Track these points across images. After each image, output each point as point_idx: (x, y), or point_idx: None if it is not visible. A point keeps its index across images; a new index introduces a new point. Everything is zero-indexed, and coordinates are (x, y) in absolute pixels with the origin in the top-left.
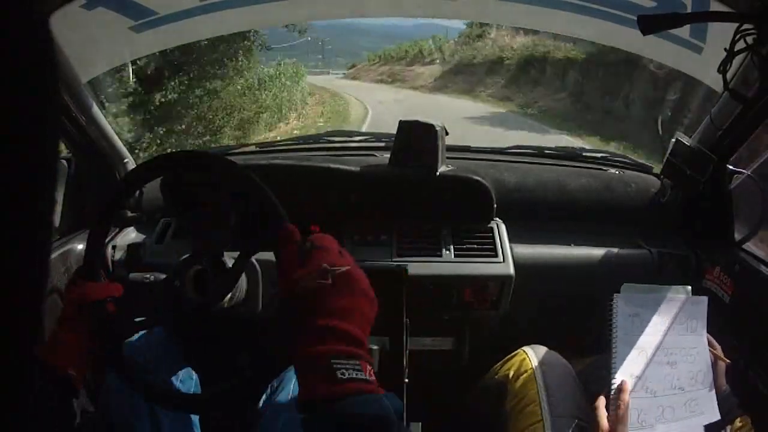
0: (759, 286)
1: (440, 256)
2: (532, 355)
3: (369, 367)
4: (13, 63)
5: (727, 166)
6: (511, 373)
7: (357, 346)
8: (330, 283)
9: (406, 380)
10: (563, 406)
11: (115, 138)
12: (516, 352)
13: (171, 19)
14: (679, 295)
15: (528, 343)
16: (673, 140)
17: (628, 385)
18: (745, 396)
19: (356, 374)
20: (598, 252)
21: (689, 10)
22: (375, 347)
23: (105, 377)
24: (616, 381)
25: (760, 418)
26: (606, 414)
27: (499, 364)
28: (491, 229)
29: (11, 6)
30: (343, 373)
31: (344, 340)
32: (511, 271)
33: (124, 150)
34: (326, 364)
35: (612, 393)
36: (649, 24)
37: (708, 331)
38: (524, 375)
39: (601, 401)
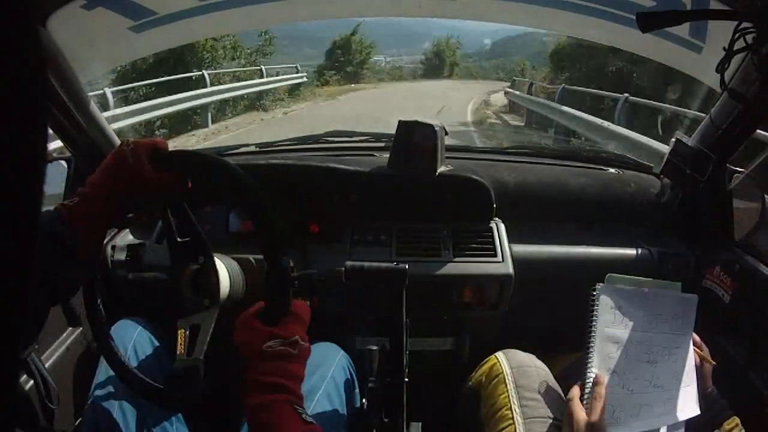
0: (759, 285)
1: (440, 256)
2: (503, 360)
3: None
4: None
5: (727, 165)
6: (483, 379)
7: (302, 400)
8: (295, 354)
9: (406, 380)
10: (537, 408)
11: (115, 138)
12: (488, 358)
13: (171, 19)
14: (667, 291)
15: (528, 343)
16: (673, 140)
17: (604, 379)
18: (742, 396)
19: (311, 419)
20: (598, 252)
21: (689, 9)
22: (375, 347)
23: (87, 395)
24: (592, 374)
25: (757, 419)
26: (580, 405)
27: (474, 371)
28: (491, 229)
29: (5, 7)
30: (306, 417)
31: (296, 396)
32: (511, 270)
33: None
34: (290, 408)
35: (587, 385)
36: (648, 21)
37: (708, 331)
38: (495, 380)
39: (575, 391)
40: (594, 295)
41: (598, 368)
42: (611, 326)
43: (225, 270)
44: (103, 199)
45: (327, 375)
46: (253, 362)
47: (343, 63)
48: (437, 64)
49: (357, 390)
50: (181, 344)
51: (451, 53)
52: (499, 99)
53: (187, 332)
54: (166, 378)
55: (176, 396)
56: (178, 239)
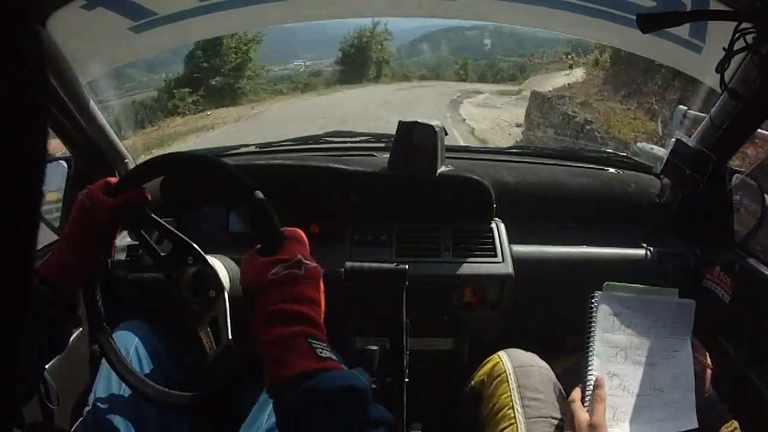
0: (759, 286)
1: (440, 256)
2: (506, 359)
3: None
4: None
5: (727, 165)
6: (485, 379)
7: (323, 332)
8: (302, 274)
9: (407, 380)
10: (539, 409)
11: (115, 138)
12: (490, 357)
13: (171, 19)
14: (665, 297)
15: (528, 343)
16: (673, 140)
17: (605, 382)
18: (742, 396)
19: (330, 354)
20: (597, 252)
21: (689, 10)
22: (375, 347)
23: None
24: (593, 377)
25: (757, 419)
26: (582, 406)
27: (476, 370)
28: (491, 229)
29: (5, 7)
30: (321, 352)
31: (312, 325)
32: (511, 270)
33: (124, 150)
34: (305, 343)
35: (588, 388)
36: (648, 22)
37: (708, 331)
38: (497, 379)
39: (577, 393)
40: (593, 303)
41: (598, 371)
42: (610, 332)
43: (218, 262)
44: (74, 247)
45: None
46: (261, 295)
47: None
48: (360, 63)
49: None
50: (207, 342)
51: (378, 48)
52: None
53: (208, 330)
54: (203, 374)
55: (178, 398)
56: (162, 253)
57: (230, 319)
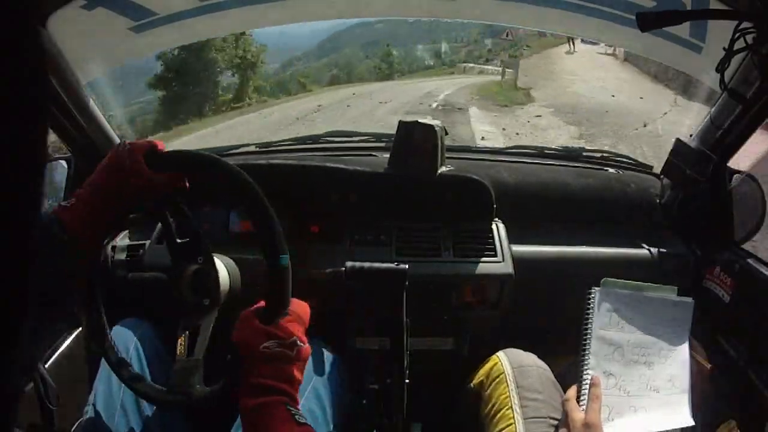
0: (759, 285)
1: (440, 256)
2: (505, 360)
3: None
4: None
5: (727, 165)
6: (485, 379)
7: (296, 402)
8: (293, 356)
9: (407, 380)
10: (537, 409)
11: (116, 138)
12: (490, 357)
13: (171, 19)
14: (663, 295)
15: (528, 343)
16: (674, 140)
17: (601, 381)
18: (741, 396)
19: (305, 420)
20: (597, 252)
21: (689, 9)
22: (375, 348)
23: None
24: (588, 376)
25: (756, 419)
26: (577, 405)
27: (475, 371)
28: (491, 230)
29: (5, 7)
30: (300, 418)
31: (291, 398)
32: (511, 270)
33: None
34: (285, 411)
35: (583, 386)
36: (648, 21)
37: (707, 331)
38: (496, 380)
39: (572, 392)
40: (590, 299)
41: (594, 370)
42: (607, 329)
43: (224, 269)
44: (101, 200)
45: (315, 373)
46: (250, 363)
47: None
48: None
49: (345, 388)
50: (181, 345)
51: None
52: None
53: (187, 334)
54: (167, 380)
55: (177, 397)
56: (178, 240)
57: (214, 328)
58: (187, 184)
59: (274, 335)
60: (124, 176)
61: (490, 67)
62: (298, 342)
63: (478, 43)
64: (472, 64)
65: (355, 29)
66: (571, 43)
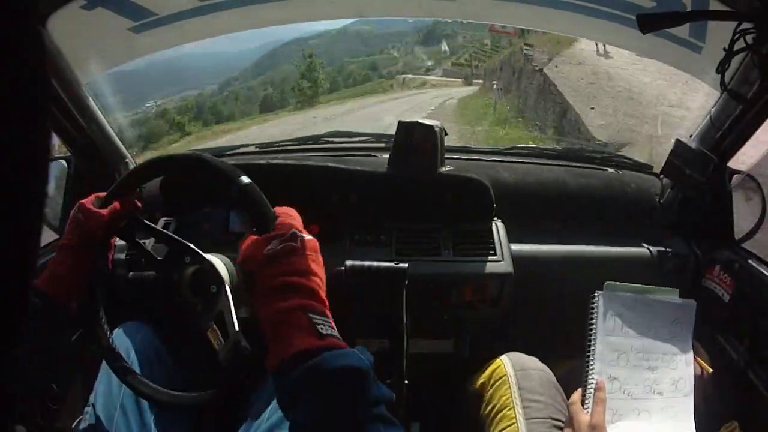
0: (759, 285)
1: (440, 255)
2: (507, 362)
3: (334, 326)
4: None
5: (727, 165)
6: (486, 381)
7: (324, 305)
8: (298, 246)
9: (406, 381)
10: (539, 409)
11: (115, 138)
12: (492, 360)
13: (170, 20)
14: (666, 298)
15: (527, 343)
16: (673, 140)
17: (605, 384)
18: (742, 396)
19: (332, 330)
20: (597, 251)
21: (689, 10)
22: (375, 348)
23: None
24: (593, 379)
25: (757, 419)
26: (582, 408)
27: (478, 373)
28: (491, 230)
29: (5, 7)
30: (322, 328)
31: (314, 298)
32: (511, 269)
33: (124, 150)
34: (306, 318)
35: (588, 390)
36: (648, 22)
37: (708, 331)
38: (498, 382)
39: (577, 395)
40: (593, 303)
41: (599, 373)
42: (611, 333)
43: (215, 257)
44: (69, 258)
45: None
46: (259, 272)
47: None
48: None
49: None
50: (215, 339)
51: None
52: None
53: (215, 326)
54: (218, 367)
55: (178, 397)
56: (158, 258)
57: (234, 310)
58: (139, 203)
59: (272, 237)
60: (82, 227)
61: (431, 77)
62: (299, 233)
63: (415, 53)
64: (411, 75)
65: (291, 45)
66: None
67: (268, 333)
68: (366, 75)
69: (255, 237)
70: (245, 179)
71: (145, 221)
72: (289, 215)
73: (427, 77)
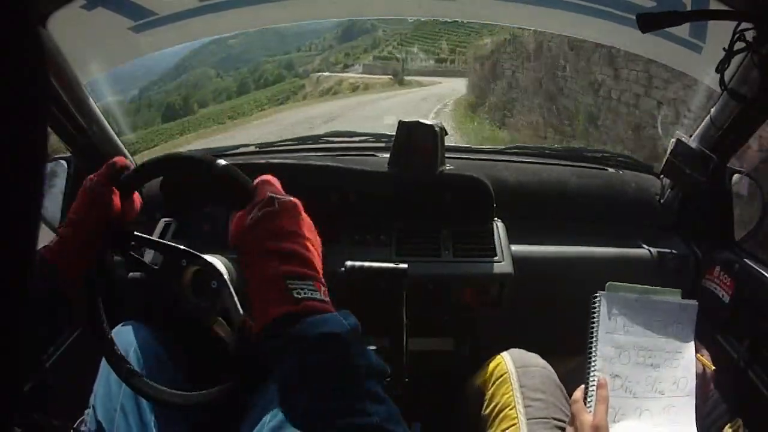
0: (759, 285)
1: (440, 256)
2: (508, 360)
3: (323, 288)
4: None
5: (727, 165)
6: (487, 379)
7: (308, 267)
8: (276, 209)
9: (406, 380)
10: (540, 409)
11: (115, 138)
12: (493, 357)
13: (171, 19)
14: (668, 298)
15: (528, 343)
16: (673, 140)
17: (608, 382)
18: (742, 396)
19: (312, 293)
20: (597, 251)
21: (689, 10)
22: (375, 348)
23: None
24: (596, 378)
25: (757, 419)
26: (584, 407)
27: (478, 371)
28: (491, 230)
29: (5, 7)
30: (299, 293)
31: (295, 261)
32: (511, 269)
33: (124, 150)
34: (281, 285)
35: (590, 388)
36: (648, 22)
37: (708, 331)
38: (499, 380)
39: (579, 394)
40: (595, 303)
41: (601, 372)
42: (613, 333)
43: (211, 257)
44: (83, 234)
45: None
46: (245, 244)
47: None
48: None
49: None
50: (223, 331)
51: None
52: None
53: (221, 320)
54: (232, 355)
55: (178, 398)
56: (155, 266)
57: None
58: (138, 207)
59: (252, 206)
60: (104, 211)
61: (350, 74)
62: (276, 196)
63: (333, 48)
64: (327, 73)
65: (210, 46)
66: None
67: (253, 303)
68: (279, 74)
69: (238, 213)
70: (221, 162)
71: (136, 233)
72: (267, 182)
73: (343, 75)
